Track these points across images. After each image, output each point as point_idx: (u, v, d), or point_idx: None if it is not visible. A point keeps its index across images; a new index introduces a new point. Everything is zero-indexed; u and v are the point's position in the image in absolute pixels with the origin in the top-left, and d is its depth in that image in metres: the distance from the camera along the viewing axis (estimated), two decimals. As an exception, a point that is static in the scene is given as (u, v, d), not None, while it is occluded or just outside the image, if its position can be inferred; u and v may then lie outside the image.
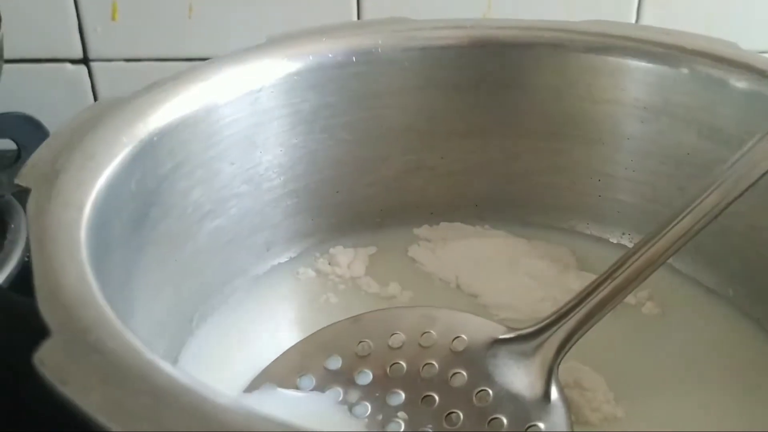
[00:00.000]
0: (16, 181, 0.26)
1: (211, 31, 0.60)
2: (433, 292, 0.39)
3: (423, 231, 0.42)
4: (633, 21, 0.59)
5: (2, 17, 0.50)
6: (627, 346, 0.36)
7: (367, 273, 0.40)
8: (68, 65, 0.62)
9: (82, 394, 0.18)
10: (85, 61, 0.61)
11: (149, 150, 0.31)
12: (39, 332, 0.21)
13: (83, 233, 0.24)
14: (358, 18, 0.59)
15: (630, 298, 0.38)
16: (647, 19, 0.59)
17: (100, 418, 0.17)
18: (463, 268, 0.39)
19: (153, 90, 0.32)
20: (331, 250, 0.41)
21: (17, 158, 0.55)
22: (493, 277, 0.39)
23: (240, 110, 0.35)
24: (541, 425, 0.30)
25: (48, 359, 0.19)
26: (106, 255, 0.26)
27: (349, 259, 0.40)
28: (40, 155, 0.27)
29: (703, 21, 0.59)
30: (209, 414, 0.18)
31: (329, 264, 0.40)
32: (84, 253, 0.23)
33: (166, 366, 0.19)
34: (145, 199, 0.31)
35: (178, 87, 0.33)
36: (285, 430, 0.18)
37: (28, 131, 0.56)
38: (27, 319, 0.24)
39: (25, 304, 0.25)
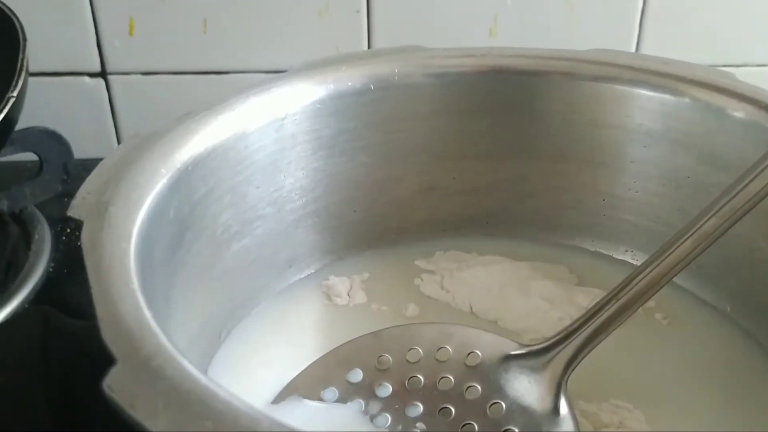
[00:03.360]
0: (69, 213, 0.28)
1: (225, 45, 0.62)
2: (452, 318, 0.40)
3: (423, 263, 0.44)
4: (635, 39, 0.61)
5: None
6: (639, 353, 0.38)
7: (382, 289, 0.42)
8: (86, 78, 0.63)
9: (150, 419, 0.20)
10: (103, 74, 0.63)
11: (184, 178, 0.33)
12: (97, 356, 0.23)
13: (133, 262, 0.27)
14: (368, 38, 0.61)
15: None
16: (649, 38, 0.61)
17: (168, 440, 0.19)
18: (476, 297, 0.41)
19: (186, 121, 0.34)
20: (349, 267, 0.43)
21: (39, 170, 0.57)
22: (507, 302, 0.40)
23: (265, 137, 0.37)
24: (551, 437, 0.32)
25: (116, 385, 0.21)
26: (150, 280, 0.28)
27: (365, 276, 0.42)
28: (88, 186, 0.29)
29: (704, 38, 0.61)
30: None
31: (347, 280, 0.42)
32: (135, 281, 0.26)
33: (221, 390, 0.21)
34: (181, 225, 0.33)
35: (208, 117, 0.35)
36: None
37: (50, 145, 0.58)
38: (83, 343, 0.26)
39: (78, 327, 0.27)
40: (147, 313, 0.24)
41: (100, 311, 0.23)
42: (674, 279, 0.40)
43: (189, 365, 0.22)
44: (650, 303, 0.40)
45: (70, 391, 0.24)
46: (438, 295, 0.42)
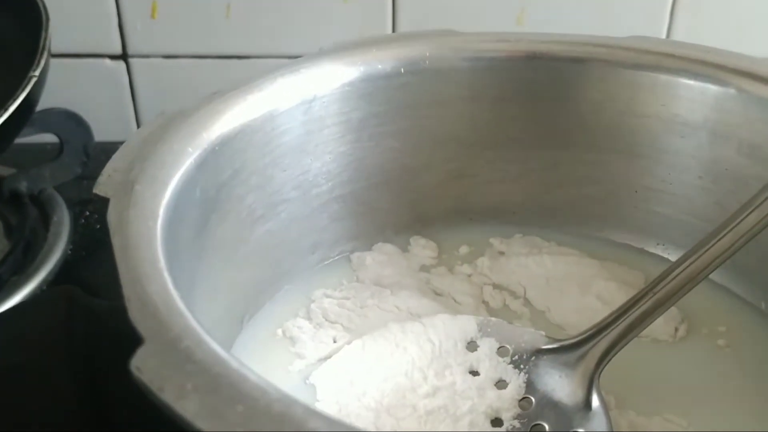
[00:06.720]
0: (95, 190, 0.27)
1: (248, 30, 0.61)
2: (496, 301, 0.40)
3: (497, 242, 0.43)
4: (665, 27, 0.60)
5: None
6: (700, 372, 0.36)
7: (413, 277, 0.41)
8: (107, 61, 0.63)
9: (180, 401, 0.19)
10: (124, 56, 0.63)
11: (211, 158, 0.32)
12: (123, 336, 0.22)
13: (159, 242, 0.26)
14: (393, 24, 0.60)
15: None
16: (679, 27, 0.60)
17: (198, 423, 0.19)
18: (533, 284, 0.40)
19: (214, 100, 0.33)
20: (378, 253, 0.42)
21: (60, 152, 0.57)
22: (562, 295, 0.39)
23: (293, 119, 0.37)
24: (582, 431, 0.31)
25: (144, 366, 0.20)
26: (176, 261, 0.27)
27: (396, 262, 0.41)
28: (114, 164, 0.28)
29: (735, 29, 0.60)
30: (300, 422, 0.19)
31: (374, 267, 0.41)
32: (162, 261, 0.25)
33: (252, 374, 0.20)
34: (206, 206, 0.32)
35: (237, 97, 0.34)
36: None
37: (70, 127, 0.57)
38: (108, 322, 0.26)
39: (103, 306, 0.27)
40: (175, 294, 0.23)
41: (127, 291, 0.22)
42: (746, 299, 0.39)
43: (218, 347, 0.21)
44: (720, 327, 0.38)
45: (95, 370, 0.24)
46: (497, 274, 0.41)
